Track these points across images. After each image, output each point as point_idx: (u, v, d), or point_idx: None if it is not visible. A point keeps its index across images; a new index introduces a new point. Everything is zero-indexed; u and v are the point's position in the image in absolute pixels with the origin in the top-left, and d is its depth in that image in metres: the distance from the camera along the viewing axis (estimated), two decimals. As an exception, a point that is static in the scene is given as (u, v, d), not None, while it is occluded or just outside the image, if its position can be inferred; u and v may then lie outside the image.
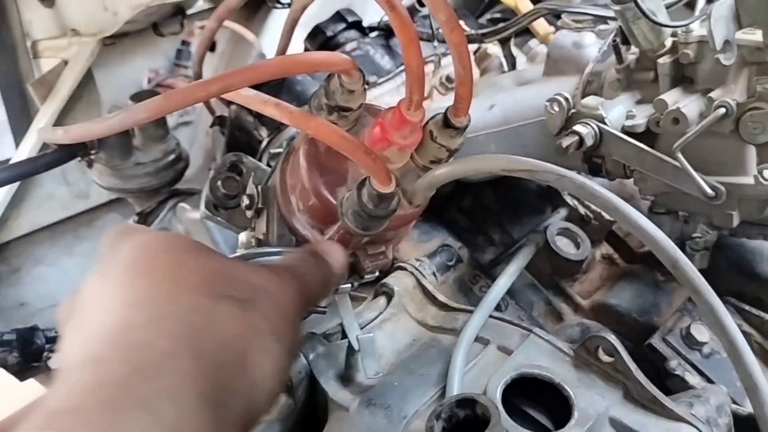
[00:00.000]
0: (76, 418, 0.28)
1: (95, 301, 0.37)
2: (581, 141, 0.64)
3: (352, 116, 0.53)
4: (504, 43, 0.95)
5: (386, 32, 1.08)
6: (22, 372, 0.97)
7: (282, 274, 0.44)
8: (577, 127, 0.65)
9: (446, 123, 0.50)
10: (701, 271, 0.80)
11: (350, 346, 0.67)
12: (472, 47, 1.02)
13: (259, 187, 0.66)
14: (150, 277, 0.37)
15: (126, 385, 0.29)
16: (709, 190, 0.60)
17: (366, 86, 0.53)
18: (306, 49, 1.10)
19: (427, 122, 0.52)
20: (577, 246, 0.89)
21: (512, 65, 0.97)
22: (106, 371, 0.30)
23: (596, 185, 0.45)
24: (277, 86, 0.94)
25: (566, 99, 0.68)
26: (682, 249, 0.82)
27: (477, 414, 0.48)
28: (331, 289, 0.53)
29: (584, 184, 0.45)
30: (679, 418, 0.58)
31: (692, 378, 0.71)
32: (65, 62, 1.18)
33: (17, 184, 1.16)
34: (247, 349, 0.35)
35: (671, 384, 0.71)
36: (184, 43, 1.53)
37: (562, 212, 0.95)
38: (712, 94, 0.61)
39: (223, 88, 0.45)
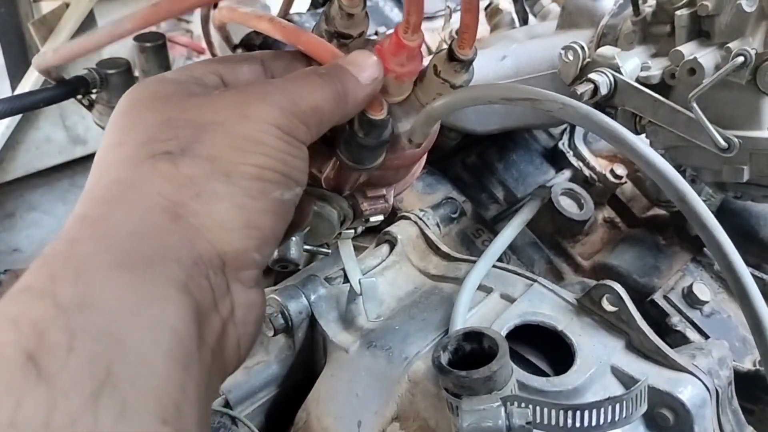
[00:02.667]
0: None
1: None
2: (596, 89, 0.63)
3: (353, 45, 0.50)
4: (516, -2, 0.94)
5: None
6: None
7: (251, 94, 0.38)
8: (593, 76, 0.64)
9: (451, 56, 0.47)
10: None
11: (352, 290, 0.66)
12: (484, 2, 1.01)
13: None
14: (111, 135, 0.36)
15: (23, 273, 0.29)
16: (722, 142, 0.59)
17: (366, 12, 0.50)
18: (312, 2, 1.08)
19: (432, 58, 0.50)
20: (581, 207, 0.88)
21: (524, 21, 0.96)
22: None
23: (602, 115, 0.43)
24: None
25: (582, 47, 0.67)
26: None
27: (483, 348, 0.48)
28: (359, 102, 0.43)
29: (589, 113, 0.43)
30: (681, 369, 0.58)
31: (693, 335, 0.71)
32: (66, 5, 1.15)
33: (14, 126, 1.14)
34: (179, 201, 0.33)
35: (672, 340, 0.71)
36: (187, -3, 1.50)
37: (567, 173, 0.94)
38: (730, 45, 0.60)
39: None
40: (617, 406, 0.44)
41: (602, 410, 0.44)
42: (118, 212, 0.32)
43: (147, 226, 0.32)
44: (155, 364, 0.28)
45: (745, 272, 0.42)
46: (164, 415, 0.27)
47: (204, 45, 1.22)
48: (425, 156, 0.55)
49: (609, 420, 0.44)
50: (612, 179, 0.92)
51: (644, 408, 0.46)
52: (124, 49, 1.08)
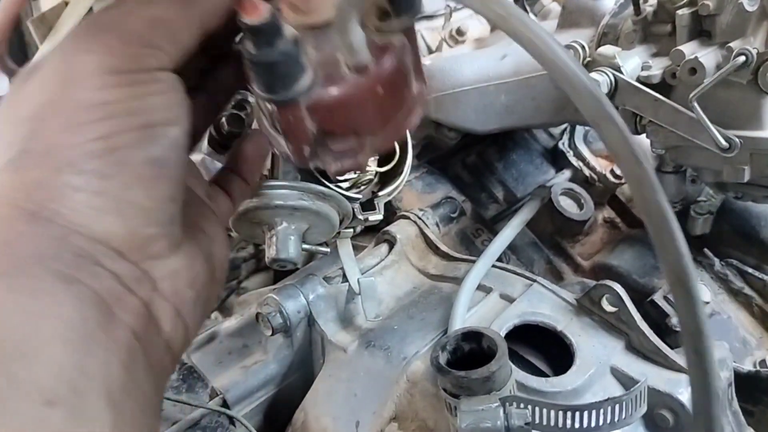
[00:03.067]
0: None
1: None
2: (596, 89, 0.63)
3: None
4: (516, -2, 0.93)
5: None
6: None
7: (70, 48, 0.31)
8: (593, 75, 0.63)
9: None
10: (704, 235, 0.81)
11: (350, 289, 0.66)
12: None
13: (265, 123, 0.64)
14: None
15: None
16: (723, 142, 0.59)
17: None
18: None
19: None
20: (581, 207, 0.88)
21: (524, 20, 0.95)
22: None
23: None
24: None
25: (582, 47, 0.66)
26: (687, 213, 0.82)
27: (482, 348, 0.48)
28: None
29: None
30: (680, 369, 0.57)
31: (693, 335, 0.71)
32: (66, 3, 1.15)
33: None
34: (37, 208, 0.30)
35: (672, 340, 0.70)
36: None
37: (567, 173, 0.94)
38: (731, 44, 0.60)
39: None
40: (617, 407, 0.44)
41: (602, 411, 0.43)
42: None
43: (12, 236, 0.29)
44: (36, 352, 0.27)
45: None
46: (50, 397, 0.26)
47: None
48: (401, 91, 0.41)
49: (608, 421, 0.44)
50: (612, 179, 0.92)
51: (644, 409, 0.46)
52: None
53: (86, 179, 0.30)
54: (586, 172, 0.93)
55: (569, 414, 0.44)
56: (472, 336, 0.48)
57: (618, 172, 0.91)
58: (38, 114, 0.31)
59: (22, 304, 0.28)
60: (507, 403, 0.44)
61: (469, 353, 0.49)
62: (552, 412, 0.44)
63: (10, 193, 0.30)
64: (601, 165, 0.94)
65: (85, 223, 0.30)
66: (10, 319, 0.27)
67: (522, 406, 0.44)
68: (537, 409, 0.44)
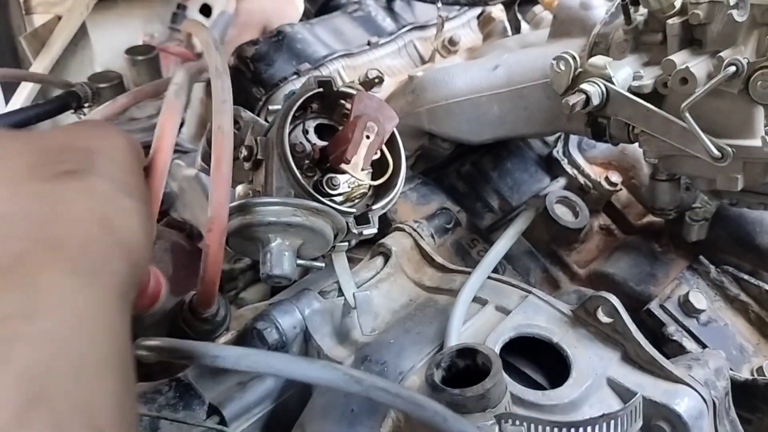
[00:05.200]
0: None
1: None
2: (588, 100, 0.63)
3: None
4: (509, 6, 0.94)
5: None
6: None
7: (107, 126, 0.41)
8: (584, 86, 0.63)
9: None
10: (700, 241, 0.81)
11: (346, 303, 0.66)
12: (477, 11, 1.01)
13: (258, 138, 0.64)
14: None
15: None
16: (715, 151, 0.59)
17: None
18: (306, 9, 1.08)
19: None
20: (576, 215, 0.88)
21: (516, 29, 0.96)
22: None
23: None
24: (277, 44, 0.92)
25: (573, 57, 0.66)
26: (682, 219, 0.82)
27: (477, 364, 0.48)
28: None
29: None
30: (677, 380, 0.57)
31: (689, 344, 0.71)
32: (59, 18, 1.15)
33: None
34: (106, 216, 0.34)
35: (668, 349, 0.71)
36: (180, 6, 1.50)
37: (561, 181, 0.94)
38: (722, 54, 0.60)
39: None
40: (612, 423, 0.44)
41: (597, 427, 0.43)
42: (57, 226, 0.32)
43: (89, 239, 0.32)
44: (92, 374, 0.28)
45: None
46: (101, 424, 0.27)
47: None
48: None
49: (604, 436, 0.44)
50: (607, 186, 0.91)
51: (639, 423, 0.46)
52: (116, 62, 1.08)
53: (139, 208, 0.37)
54: (581, 179, 0.93)
55: (565, 430, 0.44)
56: (467, 353, 0.48)
57: (613, 179, 0.91)
58: (94, 150, 0.37)
59: (87, 318, 0.30)
60: (502, 421, 0.44)
61: (464, 370, 0.48)
62: (548, 429, 0.44)
63: (83, 198, 0.34)
64: (596, 172, 0.94)
65: (134, 241, 0.35)
66: (74, 332, 0.29)
67: (517, 423, 0.44)
68: (533, 425, 0.44)
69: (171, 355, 0.48)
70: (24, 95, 1.15)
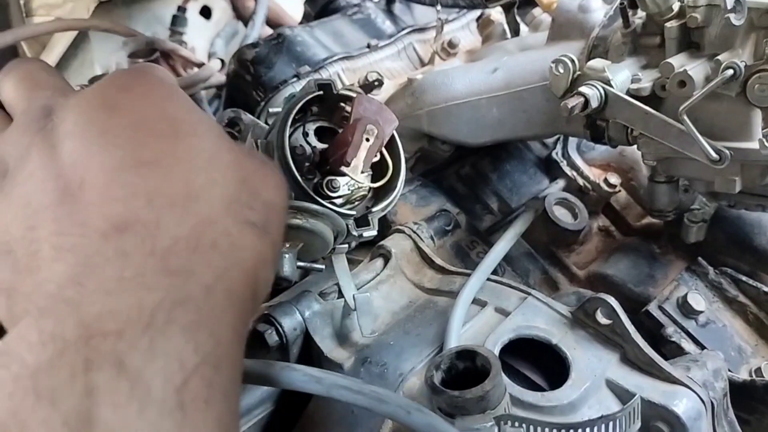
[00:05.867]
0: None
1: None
2: (586, 102, 0.63)
3: None
4: (508, 9, 0.94)
5: (388, -2, 1.06)
6: None
7: (274, 170, 0.41)
8: (583, 89, 0.64)
9: None
10: (698, 243, 0.81)
11: (346, 305, 0.66)
12: (476, 13, 1.01)
13: (259, 141, 0.65)
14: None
15: (169, 312, 0.29)
16: (713, 154, 0.60)
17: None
18: (306, 12, 1.08)
19: None
20: (575, 216, 0.88)
21: (515, 32, 0.96)
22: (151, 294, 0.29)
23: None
24: (277, 47, 0.92)
25: (572, 60, 0.67)
26: (680, 221, 0.82)
27: (477, 366, 0.48)
28: None
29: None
30: (676, 381, 0.58)
31: (688, 345, 0.71)
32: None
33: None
34: (259, 275, 0.35)
35: (667, 351, 0.71)
36: (180, 9, 1.50)
37: (560, 183, 0.94)
38: (719, 57, 0.60)
39: None
40: (611, 424, 0.44)
41: (596, 428, 0.44)
42: (230, 276, 0.33)
43: (246, 297, 0.34)
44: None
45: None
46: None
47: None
48: None
49: (603, 437, 0.44)
50: (606, 188, 0.92)
51: (638, 424, 0.46)
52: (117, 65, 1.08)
53: (273, 266, 0.40)
54: (580, 181, 0.93)
55: None
56: (466, 354, 0.49)
57: (612, 180, 0.92)
58: (271, 204, 0.39)
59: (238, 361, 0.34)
60: (502, 422, 0.44)
61: (463, 371, 0.49)
62: (547, 430, 0.44)
63: (254, 262, 0.35)
64: (595, 174, 0.94)
65: None
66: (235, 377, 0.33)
67: (517, 424, 0.44)
68: (532, 427, 0.45)
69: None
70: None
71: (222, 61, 1.20)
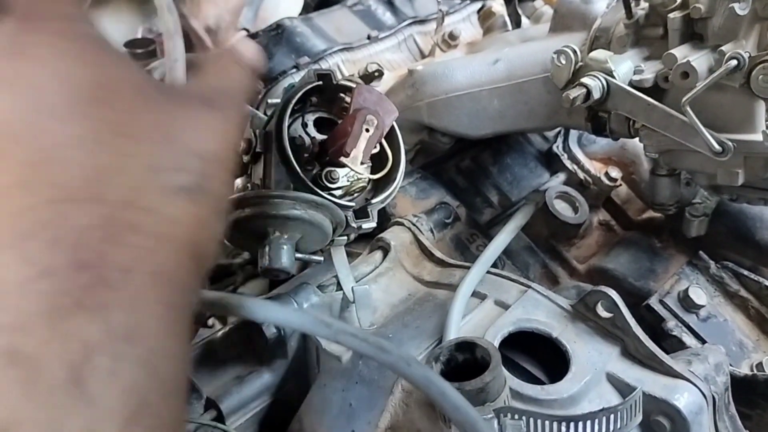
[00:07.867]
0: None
1: None
2: (588, 94, 0.63)
3: None
4: (509, 1, 0.93)
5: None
6: None
7: (224, 111, 0.36)
8: (585, 80, 0.63)
9: None
10: (700, 237, 0.81)
11: (345, 298, 0.66)
12: (477, 5, 1.00)
13: (257, 131, 0.64)
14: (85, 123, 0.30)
15: (78, 300, 0.27)
16: (716, 146, 0.59)
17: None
18: (306, 3, 1.07)
19: None
20: (575, 210, 0.88)
21: (516, 24, 0.95)
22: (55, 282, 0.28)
23: None
24: (276, 38, 0.92)
25: (574, 51, 0.66)
26: (682, 215, 0.82)
27: (476, 358, 0.47)
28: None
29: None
30: (677, 375, 0.57)
31: (689, 339, 0.71)
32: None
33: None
34: (200, 240, 0.33)
35: (668, 345, 0.70)
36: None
37: (561, 176, 0.94)
38: (723, 48, 0.59)
39: None
40: (612, 417, 0.43)
41: (596, 421, 0.43)
42: (157, 255, 0.31)
43: (180, 272, 0.32)
44: (175, 397, 0.30)
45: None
46: None
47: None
48: None
49: (604, 430, 0.44)
50: (607, 182, 0.91)
51: (639, 418, 0.46)
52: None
53: (217, 234, 0.36)
54: (581, 175, 0.93)
55: (564, 424, 0.44)
56: (466, 346, 0.48)
57: (613, 174, 0.91)
58: (197, 152, 0.34)
59: (174, 342, 0.31)
60: (501, 415, 0.44)
61: (463, 363, 0.48)
62: (546, 423, 0.44)
63: (184, 225, 0.33)
64: (596, 168, 0.93)
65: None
66: (165, 355, 0.30)
67: (516, 417, 0.44)
68: (531, 420, 0.44)
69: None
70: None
71: (247, 31, 1.18)
